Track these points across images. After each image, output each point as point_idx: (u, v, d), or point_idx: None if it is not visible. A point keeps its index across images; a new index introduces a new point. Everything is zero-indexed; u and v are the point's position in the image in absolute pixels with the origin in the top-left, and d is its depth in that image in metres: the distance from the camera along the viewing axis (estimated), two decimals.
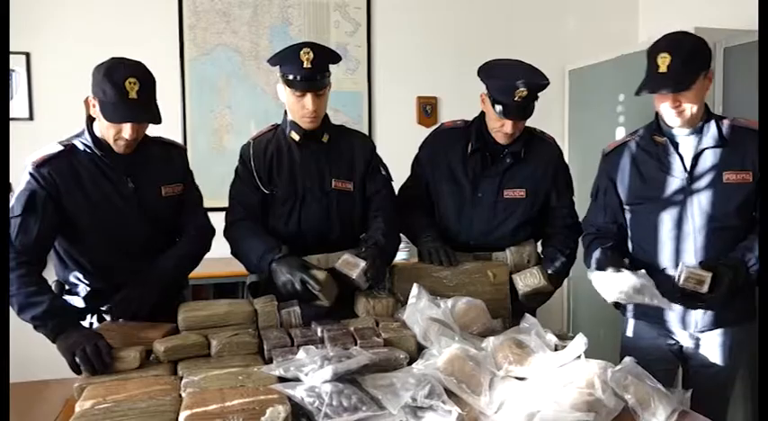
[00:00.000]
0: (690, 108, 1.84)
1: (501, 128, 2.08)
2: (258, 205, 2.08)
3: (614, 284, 1.81)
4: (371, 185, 2.14)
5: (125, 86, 1.73)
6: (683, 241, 1.91)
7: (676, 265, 1.86)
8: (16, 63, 3.39)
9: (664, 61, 1.80)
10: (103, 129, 1.82)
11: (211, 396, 1.32)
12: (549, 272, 2.07)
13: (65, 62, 3.38)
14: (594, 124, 3.75)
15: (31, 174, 1.79)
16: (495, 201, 2.17)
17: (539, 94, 2.05)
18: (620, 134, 3.38)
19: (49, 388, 1.94)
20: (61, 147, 1.85)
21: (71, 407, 1.38)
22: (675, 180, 1.92)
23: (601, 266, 1.91)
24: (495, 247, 2.17)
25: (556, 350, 1.61)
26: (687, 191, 1.90)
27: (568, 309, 4.04)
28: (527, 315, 1.79)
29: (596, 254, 1.99)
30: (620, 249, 2.03)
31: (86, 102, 1.83)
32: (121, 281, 1.86)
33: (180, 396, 1.36)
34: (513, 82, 1.99)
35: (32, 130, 3.39)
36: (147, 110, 1.80)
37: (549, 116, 4.00)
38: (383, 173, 2.18)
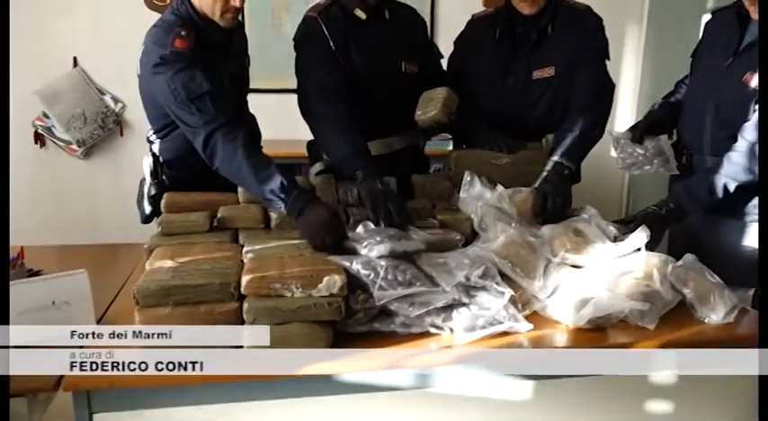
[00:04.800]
0: None
1: None
2: (340, 82, 1.91)
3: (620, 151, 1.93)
4: (432, 66, 2.11)
5: None
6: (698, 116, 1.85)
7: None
8: None
9: None
10: (210, 1, 1.71)
11: (272, 262, 1.37)
12: (556, 158, 1.88)
13: None
14: (673, 44, 3.43)
15: (177, 58, 1.65)
16: (525, 86, 2.03)
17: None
18: None
19: (121, 250, 2.05)
20: (180, 22, 1.71)
21: (142, 267, 1.46)
22: (723, 59, 1.78)
23: (633, 127, 1.97)
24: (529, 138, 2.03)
25: (615, 241, 1.58)
26: (723, 74, 1.78)
27: (627, 205, 3.96)
28: (588, 206, 1.76)
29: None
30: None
31: None
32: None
33: (242, 262, 1.42)
34: None
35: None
36: None
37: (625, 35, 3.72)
38: (436, 50, 2.17)
